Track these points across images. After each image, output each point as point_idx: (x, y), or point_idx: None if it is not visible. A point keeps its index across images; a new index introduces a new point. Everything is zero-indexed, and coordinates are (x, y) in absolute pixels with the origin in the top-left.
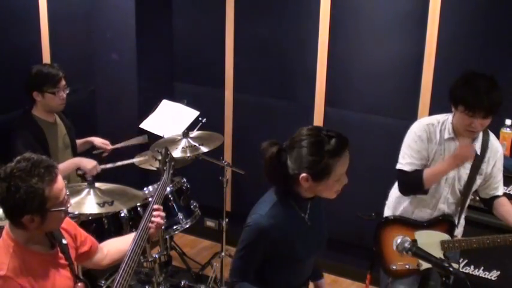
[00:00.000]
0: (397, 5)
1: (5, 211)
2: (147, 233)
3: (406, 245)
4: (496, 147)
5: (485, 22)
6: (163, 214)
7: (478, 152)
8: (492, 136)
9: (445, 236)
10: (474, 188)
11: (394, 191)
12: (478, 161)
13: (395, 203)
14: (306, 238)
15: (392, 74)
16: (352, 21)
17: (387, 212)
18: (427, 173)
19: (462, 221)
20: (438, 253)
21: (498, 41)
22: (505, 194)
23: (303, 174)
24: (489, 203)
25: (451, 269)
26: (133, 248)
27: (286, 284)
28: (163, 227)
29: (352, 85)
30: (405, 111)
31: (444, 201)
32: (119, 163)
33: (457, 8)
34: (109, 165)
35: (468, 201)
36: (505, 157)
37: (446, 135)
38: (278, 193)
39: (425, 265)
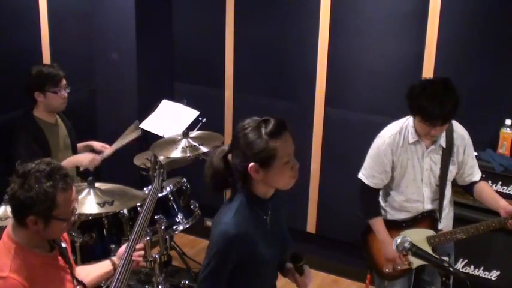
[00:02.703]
0: (397, 5)
1: (12, 207)
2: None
3: (406, 245)
4: (462, 134)
5: (485, 22)
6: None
7: (444, 145)
8: (455, 125)
9: (430, 232)
10: (450, 178)
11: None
12: (446, 154)
13: (382, 209)
14: (268, 240)
15: (392, 74)
16: (352, 21)
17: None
18: (374, 222)
19: (448, 214)
20: (427, 249)
21: (498, 41)
22: (505, 194)
23: (251, 164)
24: (469, 189)
25: (451, 269)
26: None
27: None
28: (163, 227)
29: (352, 85)
30: (405, 111)
31: (428, 201)
32: (115, 146)
33: (457, 8)
34: (106, 153)
35: (448, 195)
36: (505, 157)
37: (411, 139)
38: (239, 198)
39: (416, 263)
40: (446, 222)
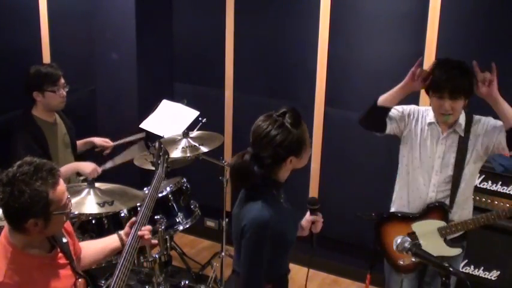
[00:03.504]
0: (397, 5)
1: (8, 216)
2: (138, 242)
3: (406, 245)
4: (479, 118)
5: (485, 22)
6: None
7: (462, 134)
8: (477, 116)
9: (441, 223)
10: (471, 172)
11: (395, 187)
12: (462, 143)
13: (395, 198)
14: (290, 221)
15: (392, 74)
16: (352, 21)
17: (392, 206)
18: (382, 96)
19: (463, 208)
20: (438, 240)
21: (498, 41)
22: (505, 194)
23: (290, 158)
24: (510, 134)
25: (451, 269)
26: (125, 257)
27: (279, 270)
28: (163, 227)
29: (352, 85)
30: None
31: (434, 189)
32: (118, 160)
33: (457, 8)
34: (108, 165)
35: (466, 189)
36: (505, 157)
37: (428, 120)
38: (259, 188)
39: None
40: (460, 215)
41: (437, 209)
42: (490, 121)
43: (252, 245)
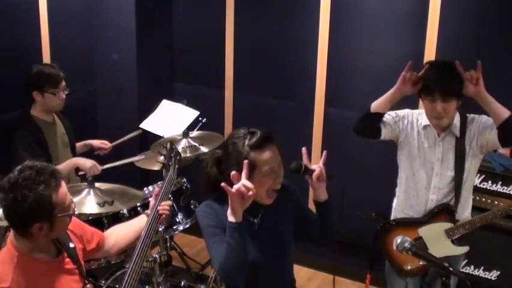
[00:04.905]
0: (397, 5)
1: (12, 222)
2: (155, 230)
3: (406, 245)
4: (473, 117)
5: (485, 22)
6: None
7: (458, 134)
8: (471, 115)
9: (448, 225)
10: (471, 171)
11: (396, 192)
12: (460, 144)
13: (395, 203)
14: (253, 242)
15: (392, 74)
16: (352, 21)
17: (393, 214)
18: (373, 103)
19: (467, 205)
20: (446, 242)
21: (498, 41)
22: (505, 194)
23: (233, 173)
24: (501, 131)
25: (451, 269)
26: (141, 246)
27: None
28: (162, 227)
29: (352, 85)
30: None
31: (435, 191)
32: (118, 162)
33: (457, 8)
34: (108, 165)
35: (467, 185)
36: (505, 157)
37: (423, 123)
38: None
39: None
40: (464, 213)
41: (443, 212)
42: (483, 119)
43: (203, 231)
